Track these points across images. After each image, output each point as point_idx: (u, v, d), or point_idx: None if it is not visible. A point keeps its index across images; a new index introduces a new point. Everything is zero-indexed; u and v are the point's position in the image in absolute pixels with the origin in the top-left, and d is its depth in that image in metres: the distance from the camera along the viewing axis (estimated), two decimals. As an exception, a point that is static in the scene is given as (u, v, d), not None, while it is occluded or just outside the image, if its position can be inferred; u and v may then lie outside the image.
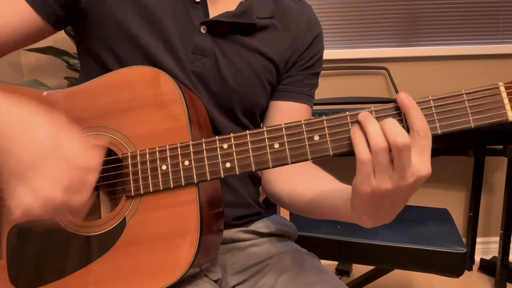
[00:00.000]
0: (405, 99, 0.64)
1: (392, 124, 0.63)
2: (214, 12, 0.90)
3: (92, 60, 0.91)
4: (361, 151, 0.63)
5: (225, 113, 0.94)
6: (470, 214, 2.49)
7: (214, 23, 0.89)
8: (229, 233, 0.96)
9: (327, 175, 0.88)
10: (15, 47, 0.88)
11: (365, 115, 0.65)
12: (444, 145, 2.04)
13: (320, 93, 2.42)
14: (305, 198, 0.85)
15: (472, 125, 0.65)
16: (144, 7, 0.86)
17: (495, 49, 2.45)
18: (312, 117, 0.70)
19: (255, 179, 1.04)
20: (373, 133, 0.63)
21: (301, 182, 0.89)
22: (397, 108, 0.66)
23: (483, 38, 2.47)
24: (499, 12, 2.45)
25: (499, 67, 2.44)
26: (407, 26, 2.47)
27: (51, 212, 0.64)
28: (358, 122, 0.66)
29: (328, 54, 2.43)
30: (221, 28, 0.90)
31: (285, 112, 0.99)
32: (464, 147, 2.18)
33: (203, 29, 0.89)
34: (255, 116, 0.99)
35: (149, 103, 0.76)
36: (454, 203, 2.57)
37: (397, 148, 0.61)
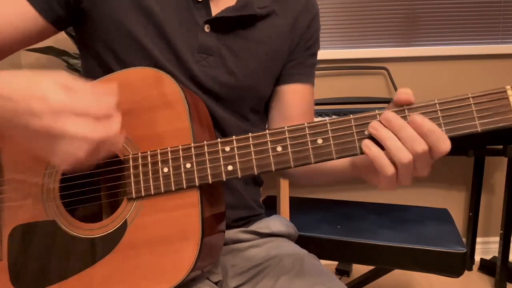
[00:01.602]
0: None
1: (409, 134, 0.64)
2: (216, 10, 0.90)
3: (94, 60, 0.91)
4: (384, 167, 0.65)
5: (231, 109, 0.94)
6: (470, 214, 2.50)
7: (217, 20, 0.89)
8: (229, 233, 0.96)
9: None
10: (18, 48, 0.88)
11: (376, 127, 0.66)
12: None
13: (320, 93, 2.42)
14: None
15: (479, 129, 0.64)
16: (147, 9, 0.86)
17: (495, 49, 2.45)
18: (316, 120, 0.70)
19: (256, 180, 1.05)
20: (395, 149, 0.64)
21: None
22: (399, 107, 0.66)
23: (483, 38, 2.47)
24: (499, 12, 2.45)
25: (499, 67, 2.44)
26: (407, 26, 2.47)
27: (95, 151, 0.62)
28: (369, 134, 0.67)
29: (329, 54, 2.44)
30: (224, 24, 0.90)
31: (291, 94, 1.00)
32: (464, 147, 2.18)
33: (207, 28, 0.89)
34: (261, 110, 1.01)
35: (150, 104, 0.76)
36: (454, 203, 2.57)
37: (404, 165, 0.64)
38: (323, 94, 2.28)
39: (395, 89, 2.35)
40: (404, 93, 0.66)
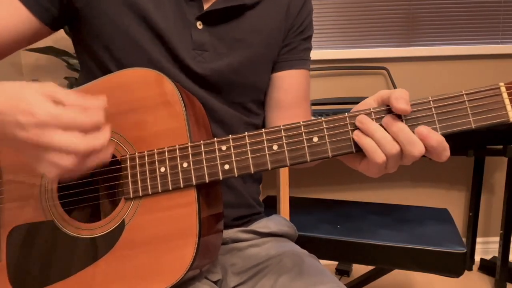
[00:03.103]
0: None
1: (405, 134, 0.64)
2: (208, 6, 0.90)
3: (90, 59, 0.91)
4: (376, 154, 0.65)
5: (233, 101, 0.94)
6: (470, 214, 2.49)
7: (208, 15, 0.89)
8: (228, 233, 0.96)
9: None
10: (14, 50, 0.88)
11: (363, 120, 0.66)
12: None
13: (320, 93, 2.43)
14: None
15: (473, 126, 0.65)
16: (140, 8, 0.86)
17: (495, 49, 2.45)
18: (312, 119, 0.70)
19: (255, 177, 1.05)
20: (383, 140, 0.65)
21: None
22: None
23: (483, 38, 2.47)
24: (499, 12, 2.44)
25: (499, 67, 2.44)
26: (407, 26, 2.47)
27: (82, 162, 0.62)
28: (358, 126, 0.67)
29: (329, 54, 2.44)
30: (215, 17, 0.90)
31: (286, 80, 1.01)
32: (464, 147, 2.18)
33: (199, 25, 0.89)
34: (261, 99, 1.01)
35: (147, 105, 0.76)
36: (454, 203, 2.57)
37: (414, 157, 0.64)
38: (323, 94, 2.28)
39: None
40: (402, 104, 0.65)
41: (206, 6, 0.90)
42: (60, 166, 0.61)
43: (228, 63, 0.91)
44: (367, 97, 0.71)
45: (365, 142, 0.66)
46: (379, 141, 0.65)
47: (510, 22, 2.46)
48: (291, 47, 1.01)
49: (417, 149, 0.63)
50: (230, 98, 0.93)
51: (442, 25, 2.46)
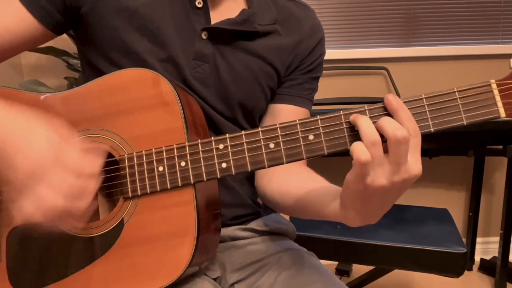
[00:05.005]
0: (393, 100, 0.65)
1: (389, 120, 0.63)
2: (215, 18, 0.90)
3: (90, 63, 0.92)
4: (358, 150, 0.64)
5: (227, 117, 0.94)
6: (470, 214, 2.49)
7: (215, 30, 0.89)
8: (227, 231, 0.97)
9: (319, 176, 0.89)
10: (18, 52, 0.89)
11: (355, 115, 0.67)
12: (444, 145, 2.04)
13: (320, 93, 2.41)
14: (295, 196, 0.85)
15: (465, 122, 0.66)
16: (143, 16, 0.86)
17: (495, 49, 2.44)
18: (307, 117, 0.71)
19: (253, 178, 1.05)
20: (364, 127, 0.64)
21: (293, 181, 0.90)
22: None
23: (483, 38, 2.47)
24: (499, 12, 2.45)
25: (499, 67, 2.43)
26: (407, 26, 2.47)
27: (52, 219, 0.65)
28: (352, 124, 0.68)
29: (328, 54, 2.41)
30: (222, 34, 0.89)
31: (283, 115, 0.99)
32: (464, 147, 2.17)
33: (204, 35, 0.89)
34: (254, 120, 1.00)
35: (145, 104, 0.77)
36: (454, 203, 2.57)
37: (397, 141, 0.61)
38: (323, 94, 2.27)
39: (395, 89, 2.35)
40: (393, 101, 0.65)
41: (215, 19, 0.90)
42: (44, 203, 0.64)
43: (224, 79, 0.91)
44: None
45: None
46: (361, 128, 0.64)
47: (510, 22, 2.46)
48: (296, 83, 1.00)
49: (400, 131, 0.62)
50: (222, 112, 0.93)
51: (442, 25, 2.46)
